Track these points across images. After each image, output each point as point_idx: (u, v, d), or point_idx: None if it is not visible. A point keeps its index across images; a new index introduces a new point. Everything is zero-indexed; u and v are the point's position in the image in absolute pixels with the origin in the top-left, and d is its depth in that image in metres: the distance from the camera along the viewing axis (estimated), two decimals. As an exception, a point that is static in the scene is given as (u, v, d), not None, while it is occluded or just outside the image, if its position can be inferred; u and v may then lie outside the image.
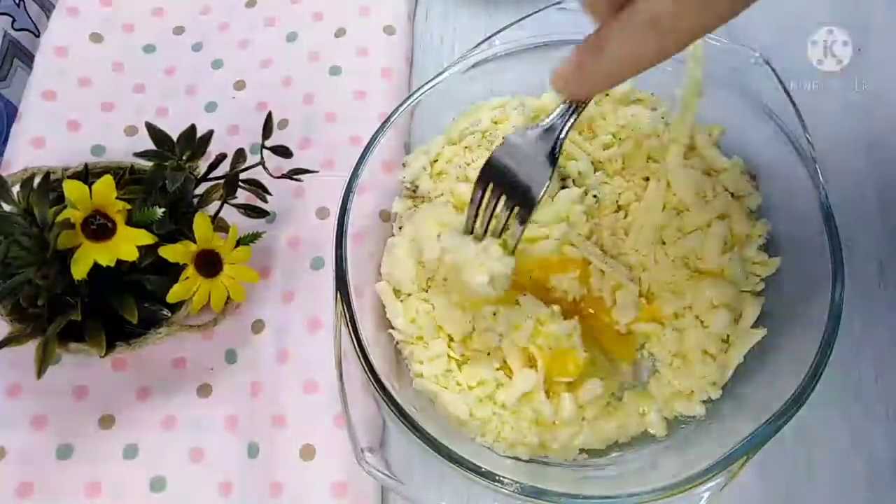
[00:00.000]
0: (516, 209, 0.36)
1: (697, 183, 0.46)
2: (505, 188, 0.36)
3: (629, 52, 0.28)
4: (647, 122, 0.48)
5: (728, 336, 0.43)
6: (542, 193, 0.35)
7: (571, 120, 0.34)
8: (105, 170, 0.46)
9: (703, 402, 0.43)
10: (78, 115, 0.55)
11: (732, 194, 0.46)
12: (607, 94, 0.50)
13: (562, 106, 0.34)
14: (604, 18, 0.29)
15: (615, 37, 0.28)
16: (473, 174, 0.47)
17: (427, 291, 0.45)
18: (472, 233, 0.39)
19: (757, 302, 0.44)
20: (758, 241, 0.45)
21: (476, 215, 0.38)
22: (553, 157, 0.34)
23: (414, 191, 0.50)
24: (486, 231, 0.39)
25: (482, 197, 0.37)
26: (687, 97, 0.46)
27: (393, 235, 0.49)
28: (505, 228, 0.38)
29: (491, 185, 0.37)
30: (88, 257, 0.37)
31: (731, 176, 0.47)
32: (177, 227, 0.42)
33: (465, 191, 0.47)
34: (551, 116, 0.35)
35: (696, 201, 0.46)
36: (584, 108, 0.34)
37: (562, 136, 0.34)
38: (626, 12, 0.27)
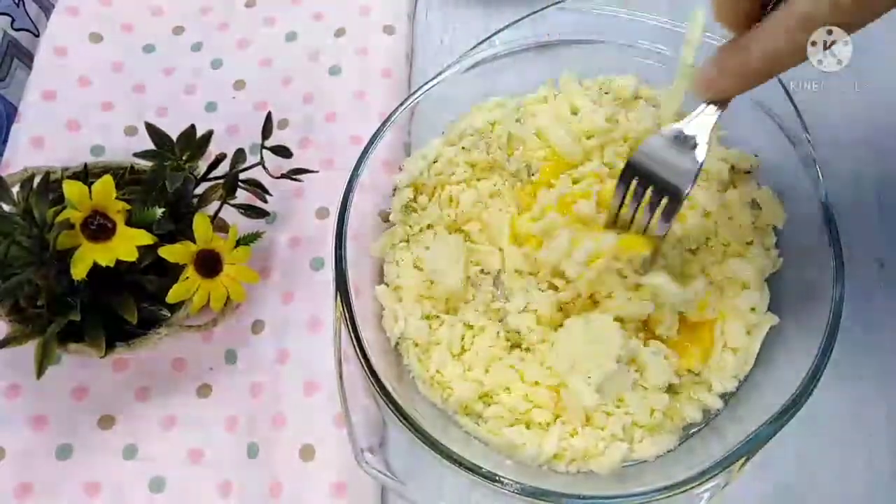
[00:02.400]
0: (663, 204, 0.38)
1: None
2: (652, 186, 0.38)
3: (774, 49, 0.28)
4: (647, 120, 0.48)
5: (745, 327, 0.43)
6: (688, 190, 0.36)
7: (714, 118, 0.34)
8: (105, 170, 0.46)
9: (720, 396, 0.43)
10: (77, 114, 0.55)
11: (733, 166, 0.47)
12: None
13: (702, 106, 0.34)
14: (739, 29, 0.30)
15: (761, 37, 0.28)
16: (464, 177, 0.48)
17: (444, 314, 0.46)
18: (615, 225, 0.41)
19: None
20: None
21: (618, 211, 0.40)
22: (696, 157, 0.35)
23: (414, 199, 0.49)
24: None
25: (624, 194, 0.39)
26: (677, 80, 0.46)
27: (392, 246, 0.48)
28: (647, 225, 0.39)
29: (634, 184, 0.38)
30: (88, 257, 0.37)
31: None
32: (176, 227, 0.42)
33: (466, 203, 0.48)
34: (689, 118, 0.35)
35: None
36: (724, 109, 0.35)
37: (705, 137, 0.35)
38: (775, 15, 0.28)
